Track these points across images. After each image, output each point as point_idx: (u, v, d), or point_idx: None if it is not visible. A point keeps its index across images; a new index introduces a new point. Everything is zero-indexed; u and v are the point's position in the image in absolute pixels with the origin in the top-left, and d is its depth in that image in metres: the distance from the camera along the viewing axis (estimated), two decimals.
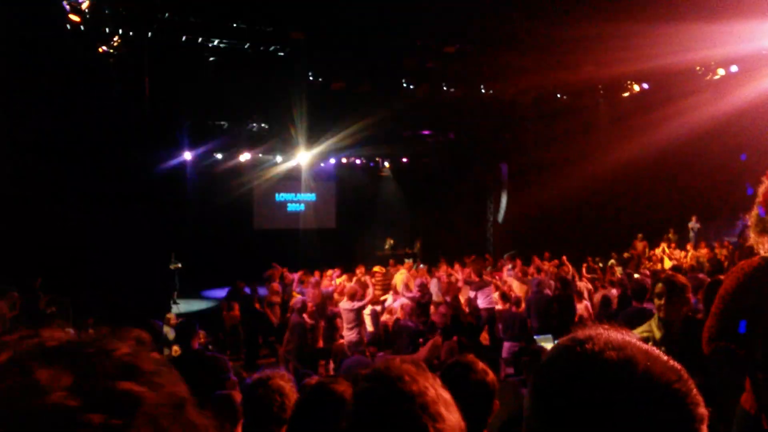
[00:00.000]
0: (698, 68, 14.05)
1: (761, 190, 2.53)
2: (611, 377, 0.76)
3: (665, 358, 0.79)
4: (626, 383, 0.75)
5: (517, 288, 10.65)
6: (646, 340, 2.96)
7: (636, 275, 11.37)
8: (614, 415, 0.73)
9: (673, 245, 14.29)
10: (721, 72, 13.71)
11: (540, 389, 0.82)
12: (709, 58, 13.44)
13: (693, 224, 16.38)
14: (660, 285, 3.30)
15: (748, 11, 10.03)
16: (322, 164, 20.80)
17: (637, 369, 0.76)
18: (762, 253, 2.52)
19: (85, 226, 11.75)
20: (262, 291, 12.05)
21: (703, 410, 0.76)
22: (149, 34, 11.92)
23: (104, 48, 11.88)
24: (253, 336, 10.78)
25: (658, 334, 3.18)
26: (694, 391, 0.77)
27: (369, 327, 9.51)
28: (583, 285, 10.26)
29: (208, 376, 3.46)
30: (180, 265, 16.02)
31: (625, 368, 0.76)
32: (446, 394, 1.29)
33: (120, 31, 11.82)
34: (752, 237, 2.60)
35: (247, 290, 11.87)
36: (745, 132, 14.25)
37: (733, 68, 13.51)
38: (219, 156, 18.01)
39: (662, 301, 3.23)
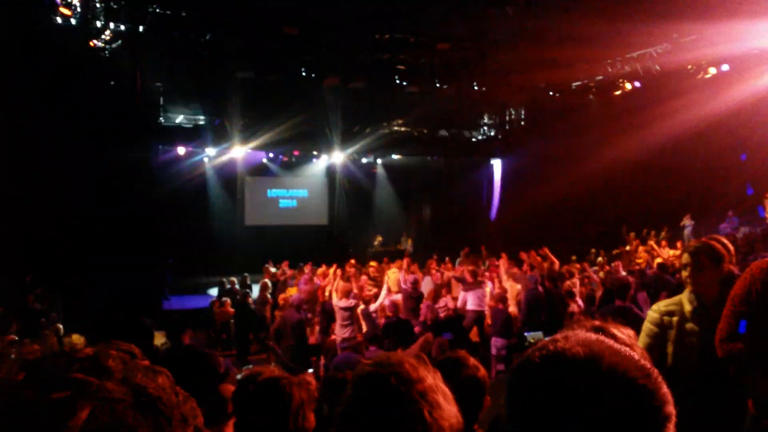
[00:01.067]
0: (690, 67, 14.12)
1: None
2: (575, 372, 0.77)
3: (635, 356, 0.80)
4: (590, 378, 0.76)
5: (508, 286, 10.67)
6: (670, 314, 2.91)
7: (623, 273, 11.44)
8: (579, 410, 0.74)
9: (663, 243, 14.35)
10: (712, 71, 13.78)
11: (511, 386, 0.84)
12: (700, 58, 13.51)
13: (686, 222, 16.48)
14: (686, 255, 3.05)
15: (740, 12, 10.10)
16: (314, 160, 20.80)
17: (602, 365, 0.76)
18: None
19: (78, 222, 11.68)
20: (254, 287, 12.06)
21: (670, 409, 0.76)
22: (141, 28, 11.85)
23: (96, 42, 11.80)
24: (244, 332, 10.77)
25: (688, 307, 2.95)
26: (663, 389, 0.77)
27: (363, 326, 9.51)
28: (573, 282, 10.30)
29: (200, 372, 3.45)
30: (171, 261, 15.98)
31: (589, 364, 0.77)
32: (446, 388, 1.31)
33: (111, 25, 11.75)
34: None
35: (238, 286, 11.86)
36: (737, 131, 14.35)
37: (725, 67, 13.59)
38: (211, 151, 17.92)
39: (687, 273, 2.98)
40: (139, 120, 12.87)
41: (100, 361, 0.68)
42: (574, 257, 13.32)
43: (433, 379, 1.30)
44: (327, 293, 10.57)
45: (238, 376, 2.65)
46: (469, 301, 10.22)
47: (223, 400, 2.34)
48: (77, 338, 6.82)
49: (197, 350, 4.26)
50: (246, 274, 13.90)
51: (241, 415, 1.98)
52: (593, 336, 0.83)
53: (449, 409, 1.29)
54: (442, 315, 9.95)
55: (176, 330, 4.57)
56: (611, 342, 0.82)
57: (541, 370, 0.80)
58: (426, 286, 11.39)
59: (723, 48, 12.51)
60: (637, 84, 15.30)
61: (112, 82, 12.11)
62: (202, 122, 17.41)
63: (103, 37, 11.79)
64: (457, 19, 12.44)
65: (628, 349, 0.81)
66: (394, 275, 11.99)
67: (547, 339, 0.87)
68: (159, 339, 8.26)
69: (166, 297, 15.20)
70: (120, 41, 11.76)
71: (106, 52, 11.90)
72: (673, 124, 14.41)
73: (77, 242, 11.40)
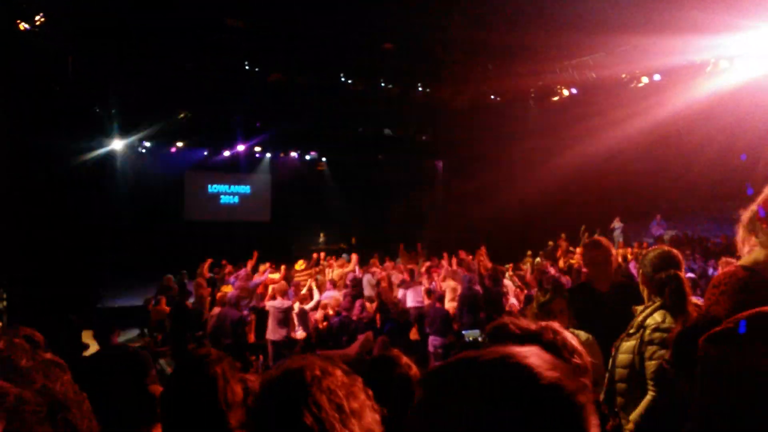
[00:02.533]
0: (624, 76, 14.70)
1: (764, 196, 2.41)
2: (486, 372, 0.77)
3: (551, 357, 0.80)
4: (502, 378, 0.76)
5: (451, 284, 10.84)
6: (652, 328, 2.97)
7: (552, 270, 11.84)
8: (488, 410, 0.73)
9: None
10: (645, 80, 14.39)
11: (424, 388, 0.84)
12: (634, 67, 14.09)
13: (615, 224, 17.15)
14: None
15: (672, 26, 10.58)
16: (257, 155, 20.53)
17: (515, 364, 0.76)
18: (745, 251, 2.37)
19: (4, 217, 11.11)
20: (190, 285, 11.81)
21: (582, 398, 0.76)
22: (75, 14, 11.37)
23: (26, 25, 11.23)
24: (180, 331, 10.51)
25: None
26: (572, 380, 0.77)
27: (297, 327, 9.46)
28: (510, 282, 10.57)
29: (129, 373, 3.36)
30: (107, 258, 15.47)
31: (501, 363, 0.77)
32: (363, 394, 1.32)
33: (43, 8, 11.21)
34: (739, 234, 2.49)
35: (175, 284, 11.58)
36: (664, 138, 15.04)
37: (657, 77, 14.23)
38: (148, 145, 17.41)
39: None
40: (70, 109, 12.35)
41: (12, 362, 0.66)
42: (509, 265, 13.65)
43: (345, 386, 1.31)
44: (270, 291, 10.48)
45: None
46: (409, 298, 10.36)
47: (152, 400, 2.29)
48: None
49: (126, 350, 4.14)
50: (183, 272, 13.58)
51: (169, 407, 1.94)
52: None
53: (367, 416, 1.30)
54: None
55: (104, 330, 4.42)
56: (525, 346, 0.82)
57: (455, 373, 0.80)
58: (365, 284, 11.45)
59: (656, 59, 13.09)
60: (574, 91, 15.82)
61: (42, 68, 11.56)
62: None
63: (35, 20, 11.23)
64: (403, 20, 12.51)
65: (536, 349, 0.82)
66: (338, 272, 11.99)
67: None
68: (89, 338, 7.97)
69: (101, 295, 14.71)
70: (51, 26, 11.23)
71: (39, 36, 11.35)
72: (605, 132, 14.98)
73: (9, 239, 10.85)
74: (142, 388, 2.42)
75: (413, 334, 10.17)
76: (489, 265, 10.94)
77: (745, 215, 2.36)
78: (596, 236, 4.27)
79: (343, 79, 15.51)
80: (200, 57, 13.51)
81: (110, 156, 16.43)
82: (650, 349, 2.95)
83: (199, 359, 1.93)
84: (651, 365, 2.94)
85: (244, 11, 12.08)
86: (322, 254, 14.36)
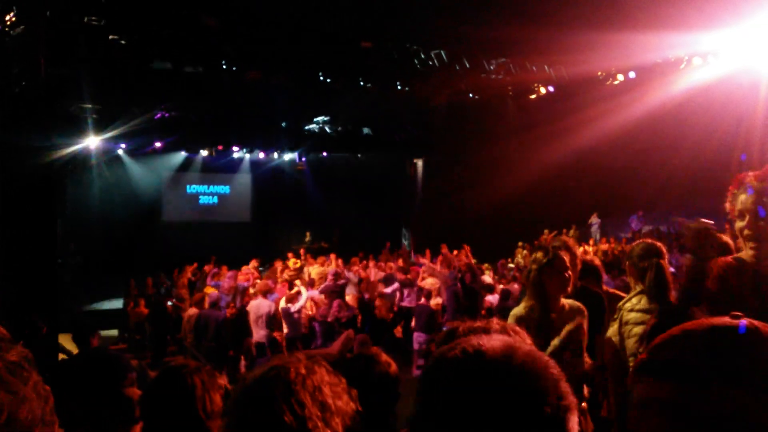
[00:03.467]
0: (600, 73, 14.87)
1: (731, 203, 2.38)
2: (493, 368, 0.80)
3: (530, 348, 0.84)
4: (480, 368, 0.80)
5: (430, 281, 10.90)
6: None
7: None
8: (490, 404, 0.77)
9: (572, 241, 15.08)
10: (620, 78, 14.58)
11: (428, 380, 0.86)
12: (610, 65, 14.25)
13: (593, 220, 17.36)
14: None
15: (646, 24, 10.71)
16: (235, 156, 20.37)
17: (515, 360, 0.80)
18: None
19: None
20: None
21: (571, 399, 0.80)
22: (47, 13, 11.16)
23: None
24: (160, 333, 10.42)
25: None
26: (562, 383, 0.81)
27: (283, 326, 9.43)
28: (489, 278, 10.66)
29: (108, 376, 3.32)
30: (80, 259, 15.26)
31: (505, 360, 0.81)
32: (334, 380, 1.33)
33: (14, 7, 10.99)
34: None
35: (154, 285, 11.46)
36: (640, 135, 15.24)
37: (631, 74, 14.41)
38: (125, 145, 17.16)
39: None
40: (42, 109, 12.12)
41: None
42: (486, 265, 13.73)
43: (330, 384, 1.32)
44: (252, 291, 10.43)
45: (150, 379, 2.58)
46: (406, 298, 10.44)
47: (129, 403, 2.27)
48: None
49: (104, 353, 4.09)
50: (162, 273, 13.44)
51: (148, 415, 1.93)
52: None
53: (350, 414, 1.31)
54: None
55: (82, 332, 4.38)
56: (505, 338, 0.87)
57: (462, 365, 0.82)
58: (350, 282, 11.45)
59: (631, 56, 13.25)
60: (551, 89, 15.97)
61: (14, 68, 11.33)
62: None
63: (6, 19, 11.00)
64: (382, 18, 12.51)
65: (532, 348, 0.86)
66: (316, 270, 11.96)
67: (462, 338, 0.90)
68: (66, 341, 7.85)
69: (71, 296, 14.51)
70: (22, 25, 11.01)
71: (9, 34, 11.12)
72: (583, 129, 15.14)
73: None
74: (118, 391, 2.38)
75: (397, 332, 10.22)
76: (471, 261, 11.02)
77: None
78: (562, 237, 4.38)
79: (321, 78, 15.46)
80: (177, 56, 13.35)
81: (86, 156, 16.18)
82: (627, 328, 3.13)
83: (176, 370, 1.93)
84: (629, 343, 3.10)
85: (220, 9, 11.98)
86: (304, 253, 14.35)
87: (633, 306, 3.19)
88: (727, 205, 2.43)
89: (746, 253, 2.35)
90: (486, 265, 12.83)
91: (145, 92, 14.95)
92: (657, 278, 3.16)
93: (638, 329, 3.02)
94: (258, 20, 12.40)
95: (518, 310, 3.02)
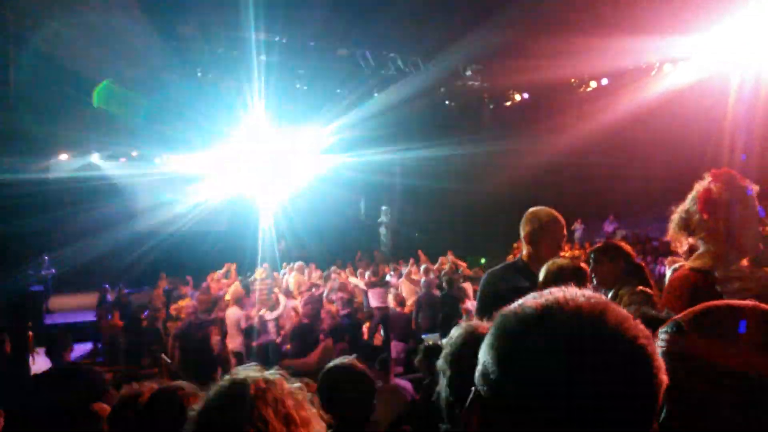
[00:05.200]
0: (573, 80, 15.07)
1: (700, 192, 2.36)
2: (581, 325, 0.75)
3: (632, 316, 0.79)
4: (597, 334, 0.74)
5: (407, 289, 10.89)
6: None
7: None
8: (582, 368, 0.72)
9: None
10: (593, 84, 14.79)
11: (500, 342, 0.79)
12: (582, 72, 14.45)
13: (576, 226, 17.52)
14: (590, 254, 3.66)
15: (619, 31, 10.90)
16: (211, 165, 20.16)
17: (608, 319, 0.75)
18: (680, 250, 2.51)
19: None
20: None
21: (664, 377, 0.76)
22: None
23: None
24: (134, 346, 10.24)
25: None
26: (658, 355, 0.77)
27: (260, 335, 9.34)
28: (469, 284, 10.68)
29: (82, 391, 3.26)
30: (54, 271, 14.99)
31: (596, 317, 0.76)
32: (296, 390, 1.31)
33: None
34: (670, 233, 2.48)
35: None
36: (614, 140, 15.44)
37: (604, 81, 14.64)
38: (98, 155, 16.94)
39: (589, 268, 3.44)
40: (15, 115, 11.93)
41: None
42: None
43: (292, 395, 1.30)
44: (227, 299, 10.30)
45: (121, 392, 2.54)
46: (372, 299, 10.39)
47: (97, 419, 2.22)
48: None
49: (76, 367, 4.01)
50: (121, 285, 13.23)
51: None
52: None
53: (315, 425, 1.29)
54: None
55: (55, 346, 4.27)
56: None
57: (543, 320, 0.76)
58: (329, 290, 11.39)
59: (604, 63, 13.45)
60: (526, 95, 16.14)
61: None
62: None
63: None
64: (358, 26, 12.55)
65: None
66: (293, 279, 11.90)
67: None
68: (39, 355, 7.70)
69: (48, 310, 14.24)
70: None
71: None
72: (559, 134, 15.31)
73: None
74: (87, 406, 2.35)
75: (377, 340, 10.18)
76: (461, 265, 11.09)
77: (677, 215, 2.42)
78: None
79: (297, 86, 15.43)
80: (152, 64, 13.22)
81: (60, 167, 15.94)
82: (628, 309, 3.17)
83: (171, 394, 1.88)
84: None
85: (196, 18, 11.92)
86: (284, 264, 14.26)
87: (632, 292, 3.30)
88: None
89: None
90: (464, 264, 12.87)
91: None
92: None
93: None
94: (232, 29, 12.36)
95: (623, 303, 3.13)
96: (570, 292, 0.79)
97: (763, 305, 1.06)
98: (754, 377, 0.95)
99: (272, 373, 1.34)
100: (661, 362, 0.76)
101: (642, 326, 0.77)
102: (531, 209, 3.38)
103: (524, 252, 3.28)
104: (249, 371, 1.33)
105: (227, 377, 1.32)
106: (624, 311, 0.78)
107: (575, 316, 0.75)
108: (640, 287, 3.36)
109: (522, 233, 3.29)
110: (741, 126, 12.23)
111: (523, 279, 3.07)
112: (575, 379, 0.71)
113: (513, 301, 0.83)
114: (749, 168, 11.58)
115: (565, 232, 3.33)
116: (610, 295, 3.52)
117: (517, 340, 0.77)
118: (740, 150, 12.08)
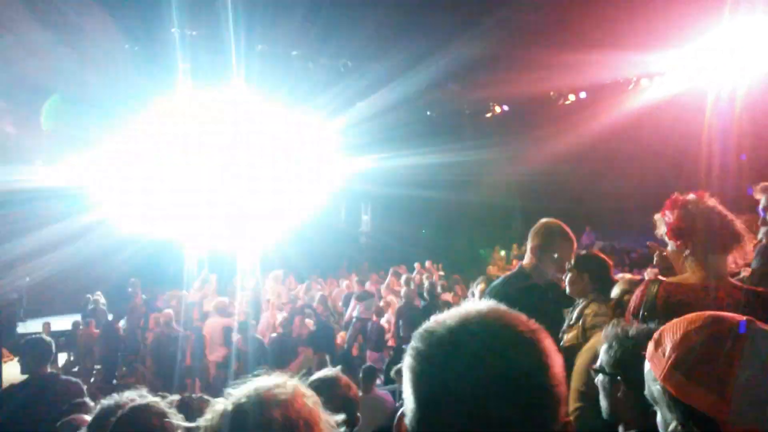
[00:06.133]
0: (552, 93, 15.27)
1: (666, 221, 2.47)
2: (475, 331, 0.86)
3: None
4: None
5: (388, 300, 10.89)
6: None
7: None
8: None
9: (515, 262, 15.37)
10: (572, 98, 15.00)
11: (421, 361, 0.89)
12: (561, 85, 14.65)
13: None
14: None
15: (597, 44, 11.07)
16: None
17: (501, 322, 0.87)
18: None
19: None
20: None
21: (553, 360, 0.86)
22: None
23: None
24: (111, 355, 10.09)
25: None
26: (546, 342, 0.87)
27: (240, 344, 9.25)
28: (449, 295, 10.72)
29: (59, 402, 3.19)
30: (28, 279, 14.73)
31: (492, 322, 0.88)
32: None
33: None
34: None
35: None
36: (596, 154, 15.63)
37: (582, 95, 14.85)
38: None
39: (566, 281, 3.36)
40: None
41: None
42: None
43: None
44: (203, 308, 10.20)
45: (101, 403, 2.50)
46: (356, 309, 10.37)
47: (75, 430, 2.18)
48: None
49: (53, 378, 3.93)
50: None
51: None
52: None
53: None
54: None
55: (31, 357, 4.16)
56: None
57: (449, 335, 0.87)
58: (310, 300, 11.35)
59: (582, 77, 13.66)
60: (506, 107, 16.30)
61: None
62: None
63: None
64: (339, 37, 12.58)
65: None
66: (270, 287, 11.83)
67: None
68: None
69: (21, 318, 13.97)
70: None
71: None
72: (540, 148, 15.47)
73: None
74: (65, 417, 2.31)
75: (355, 349, 10.14)
76: (437, 274, 11.10)
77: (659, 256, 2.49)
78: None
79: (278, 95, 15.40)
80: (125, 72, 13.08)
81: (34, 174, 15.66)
82: (591, 332, 3.21)
83: (142, 410, 1.86)
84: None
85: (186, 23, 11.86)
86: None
87: (596, 312, 3.29)
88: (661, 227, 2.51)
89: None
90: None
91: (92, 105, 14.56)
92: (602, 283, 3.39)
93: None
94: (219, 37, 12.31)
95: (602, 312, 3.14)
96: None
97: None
98: None
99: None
100: (550, 347, 0.86)
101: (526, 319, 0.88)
102: (544, 221, 3.28)
103: (526, 262, 3.20)
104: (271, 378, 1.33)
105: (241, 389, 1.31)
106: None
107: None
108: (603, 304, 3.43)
109: (530, 243, 3.20)
110: (716, 140, 12.47)
111: (531, 291, 3.02)
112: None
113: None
114: (673, 180, 11.78)
115: (575, 247, 3.25)
116: (578, 308, 3.54)
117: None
118: (717, 163, 12.28)
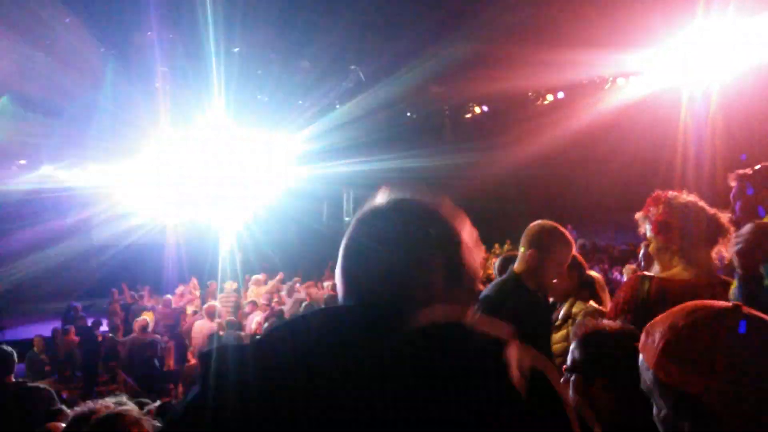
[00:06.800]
0: (530, 93, 15.38)
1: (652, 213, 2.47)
2: None
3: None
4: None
5: None
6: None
7: None
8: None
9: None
10: (549, 98, 15.12)
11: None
12: (539, 85, 14.76)
13: None
14: None
15: (574, 43, 11.17)
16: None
17: None
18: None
19: None
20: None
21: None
22: None
23: None
24: (91, 361, 9.97)
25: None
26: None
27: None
28: None
29: (30, 411, 3.14)
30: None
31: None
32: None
33: None
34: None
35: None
36: (575, 153, 15.77)
37: (560, 95, 14.98)
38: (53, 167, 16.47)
39: None
40: None
41: None
42: None
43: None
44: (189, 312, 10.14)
45: (75, 410, 2.47)
46: None
47: None
48: None
49: (20, 387, 3.84)
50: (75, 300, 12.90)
51: None
52: None
53: None
54: None
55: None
56: None
57: None
58: (291, 306, 11.29)
59: (560, 76, 13.76)
60: (485, 108, 16.39)
61: None
62: None
63: None
64: (320, 39, 12.58)
65: None
66: (255, 291, 11.77)
67: None
68: None
69: (1, 326, 13.75)
70: None
71: None
72: (519, 147, 15.55)
73: None
74: (40, 426, 2.28)
75: None
76: None
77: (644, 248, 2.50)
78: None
79: (258, 97, 15.36)
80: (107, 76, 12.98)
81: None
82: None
83: (114, 419, 1.85)
84: None
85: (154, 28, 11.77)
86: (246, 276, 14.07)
87: (585, 310, 3.35)
88: (644, 225, 2.52)
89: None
90: None
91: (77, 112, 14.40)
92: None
93: None
94: (191, 40, 12.25)
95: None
96: None
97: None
98: None
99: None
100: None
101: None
102: (540, 223, 2.94)
103: (520, 267, 2.92)
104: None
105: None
106: None
107: None
108: (592, 303, 3.45)
109: (527, 248, 2.90)
110: (692, 138, 12.65)
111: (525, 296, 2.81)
112: None
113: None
114: (652, 178, 11.87)
115: (573, 252, 3.01)
116: (564, 308, 3.57)
117: None
118: (691, 160, 12.44)
